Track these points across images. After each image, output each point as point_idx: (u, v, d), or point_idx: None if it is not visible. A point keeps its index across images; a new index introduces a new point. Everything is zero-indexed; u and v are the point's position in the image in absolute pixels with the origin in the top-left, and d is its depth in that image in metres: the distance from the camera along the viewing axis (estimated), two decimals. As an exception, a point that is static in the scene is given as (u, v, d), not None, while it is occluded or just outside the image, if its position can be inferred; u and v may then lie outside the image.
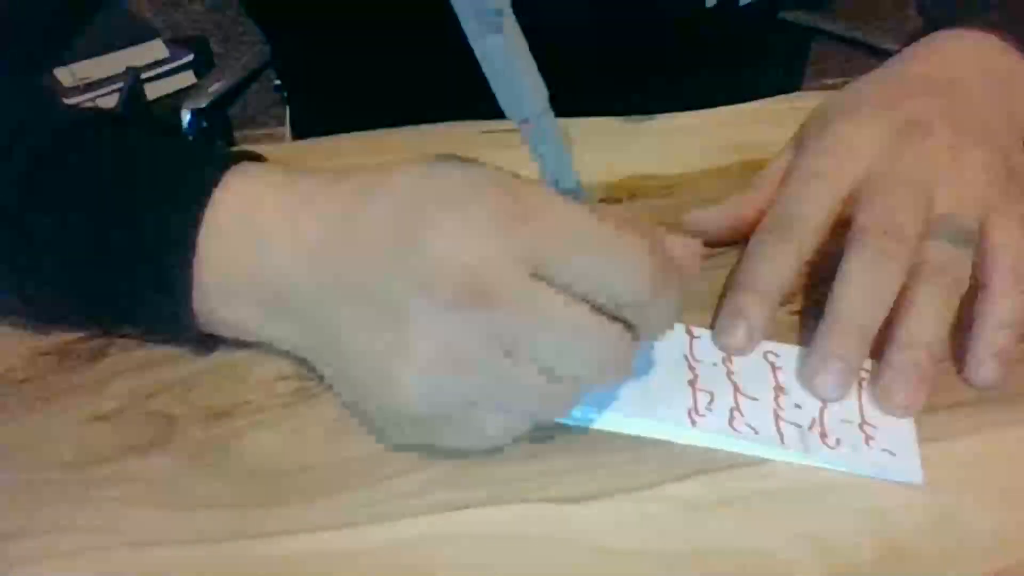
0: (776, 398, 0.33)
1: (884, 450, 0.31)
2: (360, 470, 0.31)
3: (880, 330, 0.33)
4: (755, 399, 0.33)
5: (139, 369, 0.34)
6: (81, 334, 0.36)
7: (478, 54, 0.26)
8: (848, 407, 0.33)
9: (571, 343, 0.28)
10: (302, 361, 0.34)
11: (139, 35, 1.43)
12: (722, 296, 0.37)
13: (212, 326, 0.33)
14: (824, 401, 0.33)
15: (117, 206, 0.32)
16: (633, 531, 0.29)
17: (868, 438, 0.32)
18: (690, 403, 0.33)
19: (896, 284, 0.33)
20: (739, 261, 0.37)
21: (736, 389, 0.34)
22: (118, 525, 0.29)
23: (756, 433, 0.32)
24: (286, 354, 0.34)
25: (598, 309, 0.28)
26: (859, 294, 0.33)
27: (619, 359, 0.29)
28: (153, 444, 0.32)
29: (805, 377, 0.34)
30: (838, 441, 0.32)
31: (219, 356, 0.35)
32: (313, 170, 0.32)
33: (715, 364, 0.35)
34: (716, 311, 0.37)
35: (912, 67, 0.42)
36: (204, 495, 0.30)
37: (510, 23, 0.26)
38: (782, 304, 0.36)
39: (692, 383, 0.34)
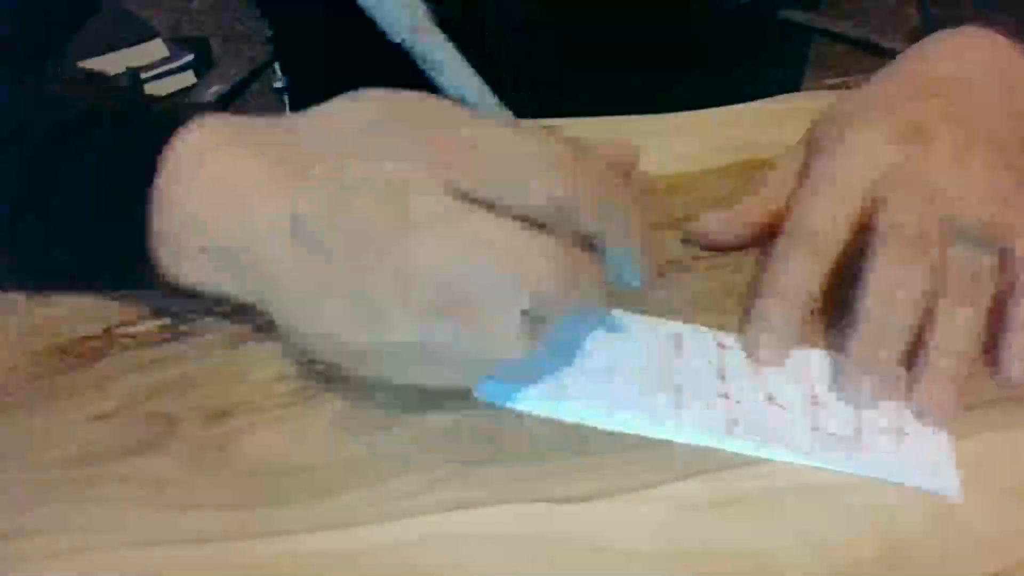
0: (811, 407, 0.33)
1: (921, 460, 0.31)
2: (360, 470, 0.31)
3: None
4: (789, 410, 0.33)
5: (139, 369, 0.34)
6: (81, 334, 0.36)
7: None
8: (884, 417, 0.33)
9: (513, 258, 0.28)
10: (302, 361, 0.34)
11: (139, 35, 1.43)
12: (746, 307, 0.36)
13: (170, 275, 0.33)
14: (859, 410, 0.33)
15: (83, 150, 0.32)
16: (632, 531, 0.29)
17: (905, 448, 0.32)
18: (724, 414, 0.33)
19: (926, 291, 0.33)
20: (762, 272, 0.36)
21: (769, 399, 0.33)
22: (118, 525, 0.29)
23: (792, 445, 0.32)
24: (286, 354, 0.34)
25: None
26: (889, 303, 0.33)
27: (570, 271, 0.28)
28: (153, 444, 0.32)
29: (842, 387, 0.34)
30: (875, 451, 0.31)
31: (219, 356, 0.35)
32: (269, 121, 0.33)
33: (747, 375, 0.34)
34: (741, 321, 0.36)
35: (916, 69, 0.41)
36: (204, 495, 0.30)
37: None
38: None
39: (725, 394, 0.33)
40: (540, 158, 0.29)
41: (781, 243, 0.37)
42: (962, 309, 0.33)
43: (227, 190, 0.31)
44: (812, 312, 0.36)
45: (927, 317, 0.33)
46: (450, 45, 0.29)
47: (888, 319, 0.33)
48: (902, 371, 0.34)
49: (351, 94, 0.31)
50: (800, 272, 0.35)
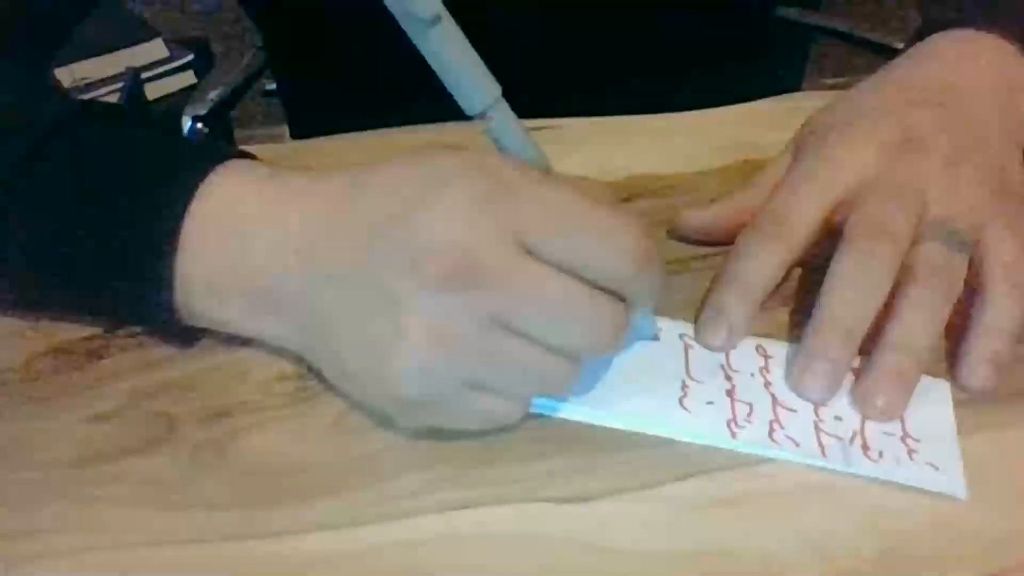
0: (816, 410, 0.33)
1: (927, 464, 0.31)
2: (360, 470, 0.31)
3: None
4: (794, 411, 0.33)
5: (139, 369, 0.34)
6: (81, 334, 0.36)
7: (424, 54, 0.27)
8: (889, 420, 0.33)
9: (563, 315, 0.28)
10: (302, 361, 0.34)
11: (139, 35, 1.43)
12: (706, 294, 0.37)
13: (198, 320, 0.33)
14: (863, 412, 0.33)
15: (104, 198, 0.32)
16: (633, 531, 0.29)
17: (911, 451, 0.31)
18: (729, 414, 0.33)
19: (884, 285, 0.33)
20: (725, 259, 0.37)
21: (775, 400, 0.33)
22: (118, 525, 0.29)
23: (797, 446, 0.31)
24: (286, 354, 0.34)
25: (589, 282, 0.29)
26: (845, 295, 0.33)
27: (613, 329, 0.29)
28: (153, 444, 0.32)
29: (791, 377, 0.34)
30: (880, 454, 0.31)
31: (219, 356, 0.35)
32: (302, 169, 0.33)
33: (752, 375, 0.34)
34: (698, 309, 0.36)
35: (912, 73, 0.41)
36: (204, 495, 0.30)
37: (448, 25, 0.27)
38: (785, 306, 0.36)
39: (730, 393, 0.33)
40: (614, 232, 0.29)
41: (746, 234, 0.37)
42: (922, 308, 0.33)
43: (226, 218, 0.32)
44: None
45: (887, 312, 0.33)
46: (520, 124, 0.30)
47: (842, 310, 0.33)
48: (854, 363, 0.34)
49: (401, 157, 0.31)
50: (759, 264, 0.35)
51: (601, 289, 0.29)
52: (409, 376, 0.28)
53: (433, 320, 0.28)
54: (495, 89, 0.29)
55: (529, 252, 0.28)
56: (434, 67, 0.28)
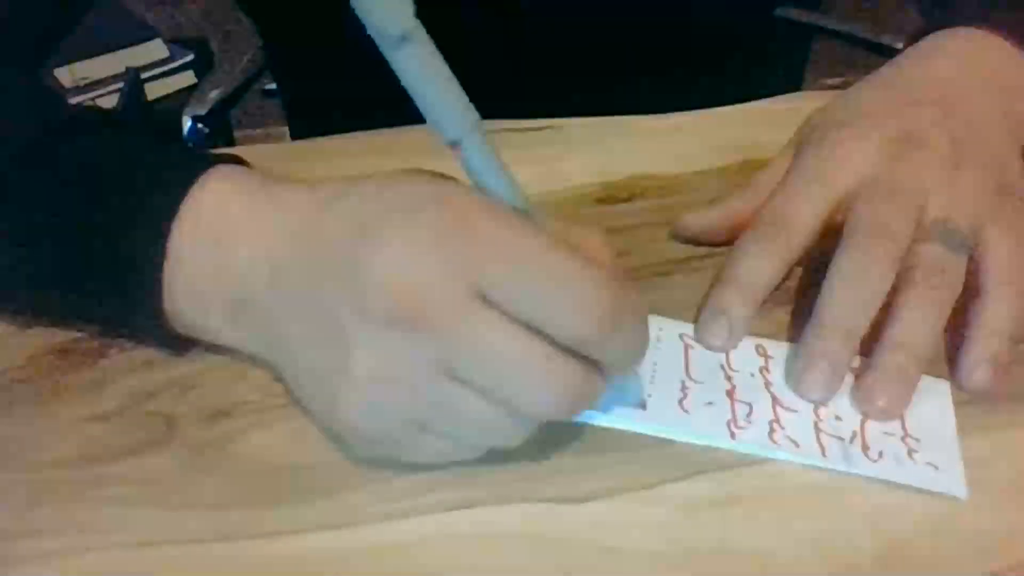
0: (816, 410, 0.33)
1: (928, 464, 0.31)
2: (360, 470, 0.31)
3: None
4: (794, 411, 0.33)
5: (139, 369, 0.34)
6: (81, 334, 0.36)
7: (395, 73, 0.25)
8: (890, 420, 0.33)
9: (516, 375, 0.26)
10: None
11: (139, 35, 1.43)
12: (706, 294, 0.37)
13: (187, 327, 0.33)
14: (863, 412, 0.33)
15: (92, 205, 0.32)
16: (633, 531, 0.29)
17: (911, 451, 0.31)
18: (729, 415, 0.32)
19: (884, 285, 0.33)
20: (726, 260, 0.37)
21: (775, 401, 0.33)
22: (118, 525, 0.29)
23: (797, 446, 0.31)
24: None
25: (554, 341, 0.26)
26: (846, 295, 0.33)
27: (570, 396, 0.27)
28: (153, 444, 0.32)
29: (792, 377, 0.34)
30: (880, 454, 0.31)
31: (219, 356, 0.35)
32: (289, 178, 0.32)
33: (752, 375, 0.34)
34: (698, 309, 0.36)
35: (912, 72, 0.41)
36: (204, 495, 0.30)
37: (421, 45, 0.25)
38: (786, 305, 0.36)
39: (730, 393, 0.33)
40: (577, 289, 0.26)
41: (748, 234, 0.37)
42: (922, 308, 0.33)
43: (210, 229, 0.31)
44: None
45: (887, 312, 0.33)
46: (495, 154, 0.27)
47: (842, 310, 0.33)
48: (854, 363, 0.33)
49: (379, 175, 0.29)
50: (760, 264, 0.35)
51: (569, 349, 0.26)
52: (354, 411, 0.28)
53: (379, 358, 0.27)
54: (470, 118, 0.26)
55: (484, 299, 0.26)
56: (405, 87, 0.25)
